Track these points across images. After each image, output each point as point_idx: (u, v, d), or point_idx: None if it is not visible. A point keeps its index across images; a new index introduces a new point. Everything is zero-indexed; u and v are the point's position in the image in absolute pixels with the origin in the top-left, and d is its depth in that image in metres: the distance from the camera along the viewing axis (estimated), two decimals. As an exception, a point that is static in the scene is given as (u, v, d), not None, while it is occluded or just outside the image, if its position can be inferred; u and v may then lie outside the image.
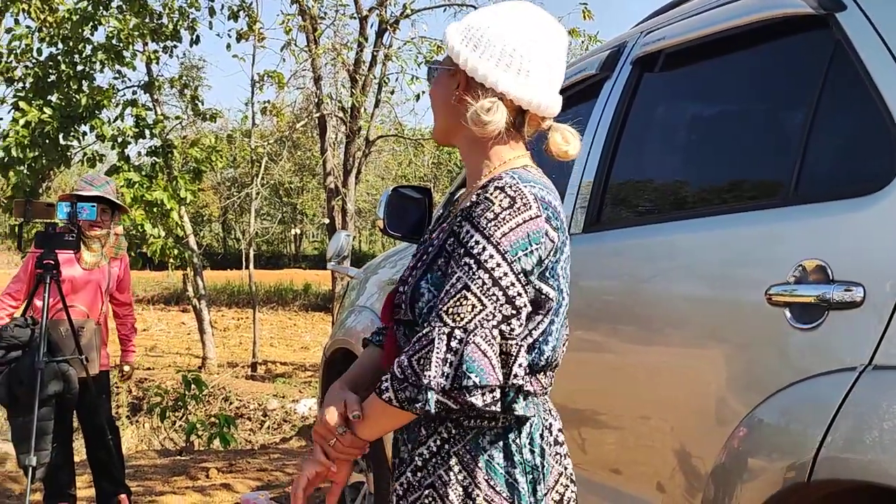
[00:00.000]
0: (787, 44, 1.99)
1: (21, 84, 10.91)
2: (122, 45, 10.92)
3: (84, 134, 11.20)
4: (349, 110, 12.72)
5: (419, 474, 1.46)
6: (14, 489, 5.02)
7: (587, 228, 2.38)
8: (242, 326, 19.31)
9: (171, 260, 11.27)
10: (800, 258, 1.66)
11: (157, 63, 12.14)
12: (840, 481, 1.52)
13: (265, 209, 34.49)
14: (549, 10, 1.57)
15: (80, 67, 10.89)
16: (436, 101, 1.57)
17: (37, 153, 10.43)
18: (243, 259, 22.49)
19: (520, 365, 1.36)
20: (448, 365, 1.33)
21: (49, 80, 10.79)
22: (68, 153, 11.16)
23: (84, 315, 4.15)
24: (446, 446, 1.45)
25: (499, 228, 1.38)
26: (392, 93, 13.41)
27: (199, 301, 13.51)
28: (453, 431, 1.45)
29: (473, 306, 1.35)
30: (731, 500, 1.74)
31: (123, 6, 10.88)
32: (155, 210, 10.65)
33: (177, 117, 13.24)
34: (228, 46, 11.84)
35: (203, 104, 12.38)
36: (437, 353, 1.33)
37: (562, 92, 1.55)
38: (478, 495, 1.42)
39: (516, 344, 1.36)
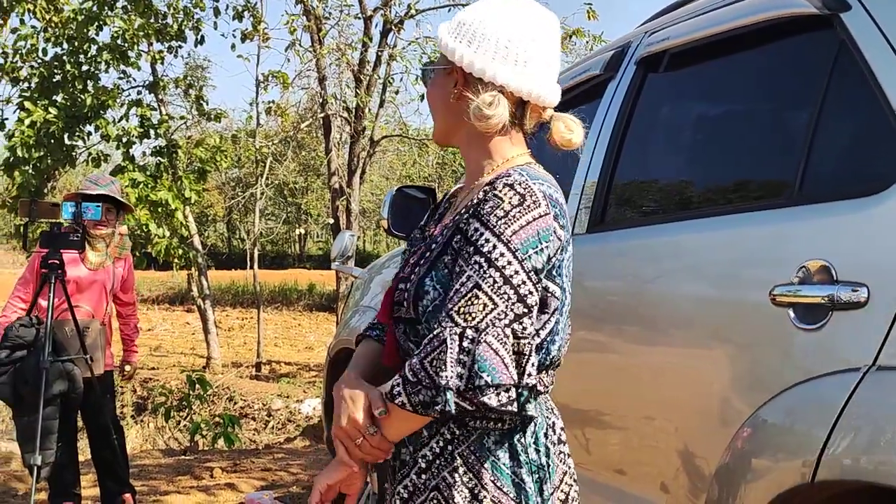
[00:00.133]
0: (791, 44, 1.98)
1: (26, 84, 10.94)
2: (126, 45, 10.94)
3: (89, 134, 11.21)
4: (354, 110, 12.72)
5: (423, 476, 1.44)
6: (19, 488, 5.03)
7: (591, 228, 2.38)
8: (247, 326, 19.31)
9: (176, 260, 11.27)
10: (804, 258, 1.65)
11: (162, 63, 12.16)
12: (844, 482, 1.51)
13: (270, 209, 34.52)
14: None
15: (85, 67, 10.91)
16: (434, 103, 1.55)
17: (42, 153, 10.45)
18: (248, 259, 22.55)
19: (532, 364, 1.34)
20: (461, 365, 1.31)
21: (54, 80, 10.81)
22: (73, 153, 11.17)
23: (89, 315, 4.15)
24: (450, 447, 1.43)
25: (509, 226, 1.36)
26: (396, 93, 13.41)
27: (204, 301, 13.51)
28: (457, 432, 1.43)
29: (485, 305, 1.33)
30: (735, 501, 1.73)
31: (128, 6, 10.88)
32: (160, 210, 10.67)
33: (181, 117, 13.23)
34: (233, 46, 11.84)
35: (208, 104, 12.41)
36: (451, 353, 1.31)
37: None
38: (484, 497, 1.40)
39: (528, 343, 1.34)
